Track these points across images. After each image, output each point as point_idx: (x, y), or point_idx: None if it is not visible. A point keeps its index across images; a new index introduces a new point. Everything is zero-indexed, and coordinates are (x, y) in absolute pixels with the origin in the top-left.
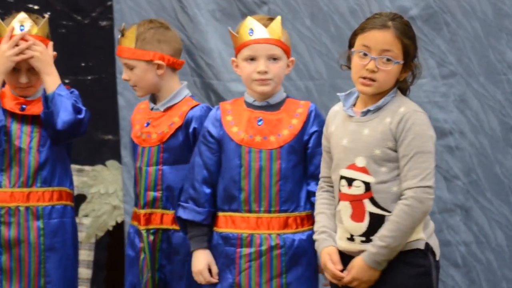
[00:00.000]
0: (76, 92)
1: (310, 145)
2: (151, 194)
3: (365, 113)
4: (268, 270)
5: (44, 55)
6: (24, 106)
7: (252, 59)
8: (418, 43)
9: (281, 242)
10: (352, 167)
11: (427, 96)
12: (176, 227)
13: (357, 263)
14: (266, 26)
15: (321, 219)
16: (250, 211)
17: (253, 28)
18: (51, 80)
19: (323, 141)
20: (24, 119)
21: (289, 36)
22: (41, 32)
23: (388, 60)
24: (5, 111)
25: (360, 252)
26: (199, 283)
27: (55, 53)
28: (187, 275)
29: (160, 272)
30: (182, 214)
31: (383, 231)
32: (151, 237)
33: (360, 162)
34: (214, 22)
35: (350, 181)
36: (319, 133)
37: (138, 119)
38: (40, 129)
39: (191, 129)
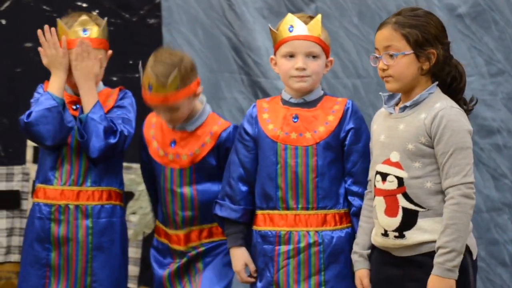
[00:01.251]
0: (129, 93)
1: (346, 142)
2: (189, 214)
3: (403, 109)
4: (307, 268)
5: (87, 69)
6: (77, 105)
7: (291, 55)
8: (466, 41)
9: (319, 239)
10: (387, 162)
11: (475, 94)
12: (215, 239)
13: (431, 281)
14: (306, 23)
15: (358, 234)
16: (287, 208)
17: (293, 25)
18: (87, 100)
19: (371, 144)
20: (76, 117)
21: (337, 34)
22: (102, 34)
23: (391, 55)
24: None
25: (394, 248)
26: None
27: (110, 51)
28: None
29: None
30: (219, 211)
31: (443, 238)
32: (193, 252)
33: (394, 157)
34: (261, 20)
35: (384, 176)
36: (356, 130)
37: (155, 136)
38: None
39: (224, 150)
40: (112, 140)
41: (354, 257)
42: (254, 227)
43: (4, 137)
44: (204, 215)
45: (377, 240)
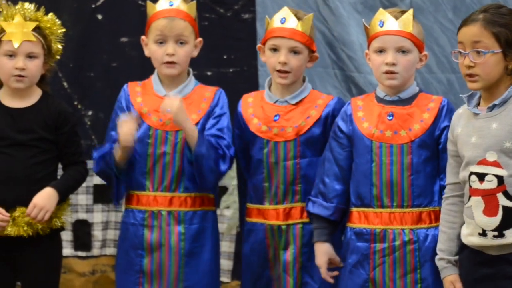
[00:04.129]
0: (223, 98)
1: (441, 140)
2: (290, 188)
3: (491, 108)
4: (402, 266)
5: (178, 111)
6: (169, 109)
7: (381, 51)
8: None
9: (414, 237)
10: (483, 162)
11: None
12: None
13: None
14: (397, 18)
15: (440, 239)
16: (382, 206)
17: (384, 20)
18: (189, 138)
19: (449, 146)
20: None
21: (431, 28)
22: (188, 9)
23: (479, 52)
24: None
25: (492, 247)
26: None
27: (200, 39)
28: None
29: (304, 269)
30: (311, 208)
31: None
32: (292, 232)
33: (491, 156)
34: (355, 15)
35: (481, 176)
36: None
37: (255, 113)
38: (185, 135)
39: (331, 121)
40: (224, 168)
41: (441, 263)
42: (349, 224)
43: (99, 131)
44: (305, 191)
45: (472, 240)
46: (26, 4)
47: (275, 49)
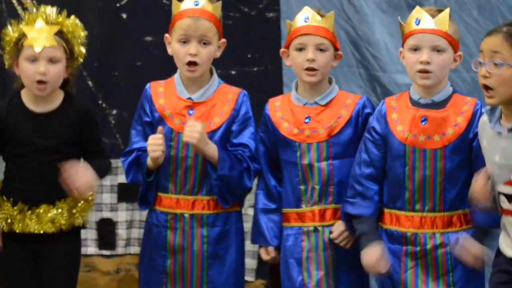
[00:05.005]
0: (246, 96)
1: (474, 144)
2: (325, 189)
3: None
4: (434, 269)
5: (199, 138)
6: (192, 110)
7: (416, 49)
8: None
9: (445, 240)
10: (510, 183)
11: None
12: None
13: None
14: (433, 16)
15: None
16: (414, 210)
17: (420, 18)
18: (211, 161)
19: (482, 146)
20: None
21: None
22: (213, 9)
23: (496, 64)
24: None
25: None
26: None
27: (224, 40)
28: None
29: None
30: (351, 209)
31: None
32: (327, 234)
33: None
34: (380, 14)
35: (510, 197)
36: None
37: (284, 117)
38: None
39: (362, 119)
40: (249, 184)
41: None
42: (380, 224)
43: (124, 130)
44: (339, 192)
45: (509, 253)
46: (48, 8)
47: (301, 49)
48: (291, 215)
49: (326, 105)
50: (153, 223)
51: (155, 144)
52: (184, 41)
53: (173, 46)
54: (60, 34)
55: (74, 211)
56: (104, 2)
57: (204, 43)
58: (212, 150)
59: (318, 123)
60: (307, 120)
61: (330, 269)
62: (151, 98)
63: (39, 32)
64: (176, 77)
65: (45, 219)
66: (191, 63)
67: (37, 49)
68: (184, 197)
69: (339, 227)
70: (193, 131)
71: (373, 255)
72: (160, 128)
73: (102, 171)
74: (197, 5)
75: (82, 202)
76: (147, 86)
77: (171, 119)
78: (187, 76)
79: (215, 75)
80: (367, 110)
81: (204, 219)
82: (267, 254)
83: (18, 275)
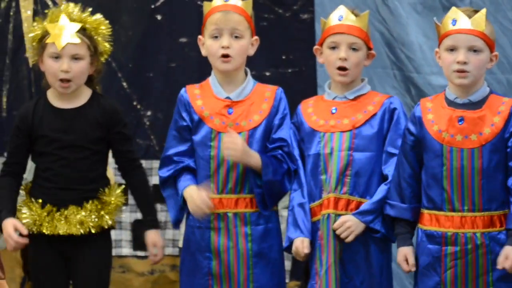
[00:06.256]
0: (283, 93)
1: (509, 143)
2: (341, 178)
3: None
4: (474, 269)
5: (240, 156)
6: (231, 109)
7: (453, 49)
8: None
9: (486, 241)
10: None
11: None
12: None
13: None
14: (470, 17)
15: None
16: (453, 210)
17: (457, 18)
18: (256, 169)
19: None
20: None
21: None
22: (245, 5)
23: None
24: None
25: None
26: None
27: (257, 37)
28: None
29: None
30: (390, 211)
31: None
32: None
33: None
34: (415, 15)
35: None
36: None
37: (315, 112)
38: (248, 136)
39: (389, 116)
40: (289, 187)
41: None
42: (420, 225)
43: (158, 132)
44: (354, 184)
45: None
46: (71, 5)
47: (334, 47)
48: (317, 208)
49: (355, 99)
50: (196, 226)
51: (200, 209)
52: (216, 36)
53: (206, 44)
54: (83, 31)
55: (102, 212)
56: (139, 3)
57: (236, 37)
58: (255, 160)
59: (343, 114)
60: (333, 111)
61: (337, 257)
62: (189, 101)
63: (61, 30)
64: (211, 78)
65: (74, 221)
66: (224, 55)
67: (60, 45)
68: (227, 197)
69: (343, 218)
70: (235, 149)
71: (401, 256)
72: (207, 185)
73: (151, 197)
74: (227, 1)
75: (111, 203)
76: (182, 90)
77: (210, 119)
78: (221, 69)
79: (249, 76)
80: (394, 106)
81: (247, 218)
82: (303, 244)
83: (48, 277)
